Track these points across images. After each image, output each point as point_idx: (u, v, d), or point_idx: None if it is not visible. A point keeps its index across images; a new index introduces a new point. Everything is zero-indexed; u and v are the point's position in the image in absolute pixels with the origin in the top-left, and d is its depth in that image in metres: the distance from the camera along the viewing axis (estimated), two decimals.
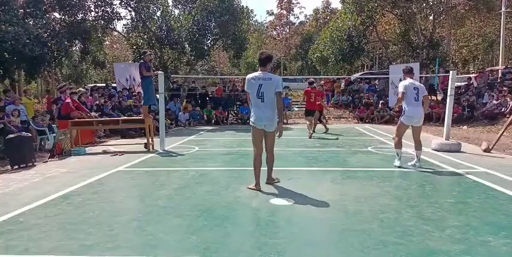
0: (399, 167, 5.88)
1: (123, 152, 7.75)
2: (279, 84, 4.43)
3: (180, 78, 20.97)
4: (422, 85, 5.98)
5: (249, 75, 4.57)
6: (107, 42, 30.89)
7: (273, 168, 4.79)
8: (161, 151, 7.88)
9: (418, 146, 5.95)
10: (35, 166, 6.58)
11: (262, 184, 4.69)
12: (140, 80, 9.25)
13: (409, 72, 6.00)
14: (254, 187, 4.64)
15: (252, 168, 4.63)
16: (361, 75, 22.61)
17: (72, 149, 7.76)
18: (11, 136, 6.65)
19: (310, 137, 9.49)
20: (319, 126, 10.98)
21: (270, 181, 4.87)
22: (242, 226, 3.48)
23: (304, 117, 11.33)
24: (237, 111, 16.46)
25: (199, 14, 17.76)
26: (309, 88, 10.40)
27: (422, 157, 6.86)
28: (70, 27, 17.49)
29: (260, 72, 4.49)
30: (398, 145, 6.00)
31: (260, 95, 4.39)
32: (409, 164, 6.01)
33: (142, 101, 9.20)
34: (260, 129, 4.52)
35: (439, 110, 13.25)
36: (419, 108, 5.77)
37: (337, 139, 9.67)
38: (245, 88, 4.63)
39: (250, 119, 4.59)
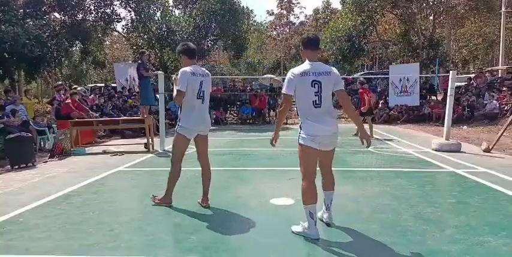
0: (310, 236, 3.14)
1: (123, 152, 7.74)
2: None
3: None
4: (335, 71, 3.10)
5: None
6: (107, 42, 30.88)
7: (273, 168, 4.56)
8: (161, 151, 7.88)
9: (331, 181, 3.39)
10: (35, 166, 6.57)
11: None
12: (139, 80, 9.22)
13: (309, 47, 3.15)
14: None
15: (259, 168, 4.48)
16: (361, 75, 22.62)
17: (72, 149, 7.76)
18: (11, 136, 6.65)
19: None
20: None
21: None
22: (242, 226, 3.48)
23: None
24: (238, 111, 16.45)
25: (200, 15, 17.78)
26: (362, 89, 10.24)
27: (422, 157, 6.89)
28: (70, 28, 17.49)
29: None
30: (310, 196, 3.11)
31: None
32: (295, 230, 3.26)
33: (140, 101, 9.18)
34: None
35: (439, 110, 13.26)
36: (328, 118, 3.07)
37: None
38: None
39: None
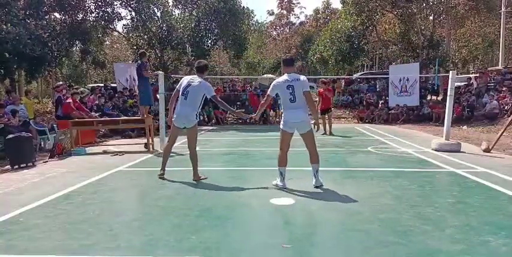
0: (280, 186, 4.66)
1: (123, 152, 7.74)
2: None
3: (181, 79, 20.98)
4: (302, 79, 4.54)
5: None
6: (107, 42, 30.86)
7: (273, 168, 4.73)
8: (161, 151, 7.85)
9: (314, 158, 4.69)
10: (35, 166, 6.57)
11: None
12: (139, 81, 9.17)
13: (286, 64, 4.76)
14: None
15: (259, 168, 4.57)
16: (361, 75, 22.62)
17: (73, 149, 7.76)
18: (11, 136, 6.65)
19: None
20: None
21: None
22: (242, 226, 3.48)
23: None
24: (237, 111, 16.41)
25: (200, 14, 17.79)
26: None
27: (422, 157, 6.89)
28: (70, 28, 17.50)
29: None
30: (282, 161, 4.67)
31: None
32: (273, 183, 4.78)
33: (140, 101, 9.16)
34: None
35: (439, 110, 13.26)
36: (299, 111, 4.52)
37: (336, 139, 9.68)
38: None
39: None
